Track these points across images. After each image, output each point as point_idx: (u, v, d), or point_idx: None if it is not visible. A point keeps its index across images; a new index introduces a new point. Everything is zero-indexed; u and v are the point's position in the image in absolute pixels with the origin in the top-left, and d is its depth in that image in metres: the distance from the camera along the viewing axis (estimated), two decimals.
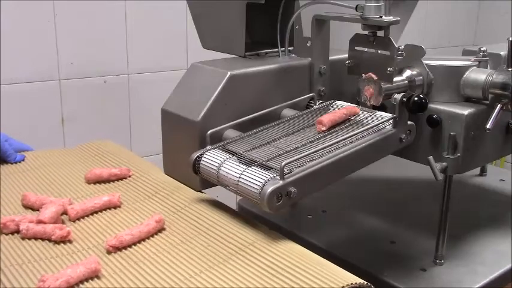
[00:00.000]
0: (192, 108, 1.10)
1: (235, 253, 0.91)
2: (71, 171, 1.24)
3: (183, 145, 1.13)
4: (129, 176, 1.21)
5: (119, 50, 2.05)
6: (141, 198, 1.12)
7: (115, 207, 1.08)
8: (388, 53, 1.09)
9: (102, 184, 1.18)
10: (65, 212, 1.04)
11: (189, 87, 1.17)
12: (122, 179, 1.20)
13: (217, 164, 0.99)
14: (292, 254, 0.89)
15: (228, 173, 0.96)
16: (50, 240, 0.96)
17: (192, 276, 0.86)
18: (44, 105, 1.93)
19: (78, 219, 1.04)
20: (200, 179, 1.08)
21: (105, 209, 1.07)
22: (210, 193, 1.12)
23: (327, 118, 1.07)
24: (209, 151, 1.03)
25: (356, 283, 0.80)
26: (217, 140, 1.07)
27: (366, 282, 0.82)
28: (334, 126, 1.07)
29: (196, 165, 1.03)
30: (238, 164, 0.97)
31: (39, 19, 1.86)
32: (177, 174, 1.17)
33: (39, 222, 0.98)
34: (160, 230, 0.99)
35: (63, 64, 1.94)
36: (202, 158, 1.02)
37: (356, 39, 1.15)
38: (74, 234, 0.98)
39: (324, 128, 1.06)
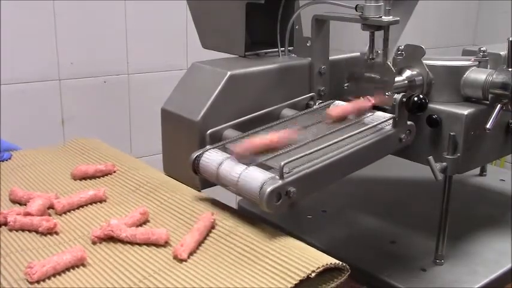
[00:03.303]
0: (192, 108, 1.10)
1: (216, 241, 0.94)
2: (57, 169, 1.27)
3: (183, 145, 1.13)
4: (114, 172, 1.23)
5: (119, 50, 2.05)
6: (125, 192, 1.14)
7: (100, 202, 1.10)
8: (386, 78, 1.09)
9: (88, 180, 1.21)
10: (51, 206, 1.06)
11: (189, 87, 1.17)
12: (107, 175, 1.22)
13: (216, 164, 0.99)
14: (271, 239, 0.91)
15: (228, 173, 0.96)
16: (37, 231, 0.98)
17: (176, 263, 0.89)
18: (44, 105, 1.93)
19: (65, 212, 1.06)
20: (200, 179, 1.08)
21: (90, 203, 1.09)
22: (210, 193, 1.12)
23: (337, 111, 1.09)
24: (209, 151, 1.03)
25: (332, 263, 0.83)
26: (217, 139, 1.07)
27: (341, 263, 0.84)
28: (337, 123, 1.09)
29: (195, 165, 1.03)
30: (237, 163, 0.97)
31: (39, 19, 1.86)
32: (177, 174, 1.17)
33: (27, 214, 1.01)
34: (145, 221, 1.02)
35: (63, 64, 1.94)
36: (202, 158, 1.02)
37: (354, 63, 1.16)
38: (61, 227, 1.00)
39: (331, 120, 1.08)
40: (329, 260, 0.83)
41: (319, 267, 0.81)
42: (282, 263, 0.84)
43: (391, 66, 1.09)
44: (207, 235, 0.96)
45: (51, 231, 0.98)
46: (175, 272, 0.87)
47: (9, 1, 1.78)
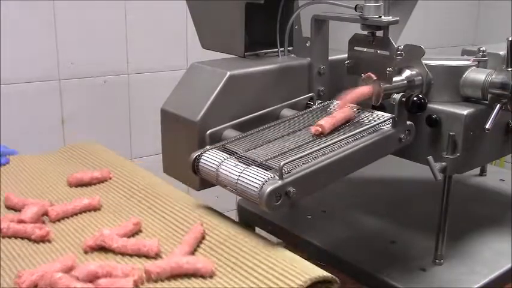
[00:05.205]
0: (191, 108, 1.10)
1: (206, 252, 0.94)
2: (54, 175, 1.27)
3: (183, 145, 1.13)
4: (110, 178, 1.24)
5: (119, 50, 2.05)
6: (120, 201, 1.15)
7: (95, 210, 1.11)
8: (387, 53, 1.09)
9: (84, 187, 1.21)
10: (45, 213, 1.07)
11: (188, 87, 1.17)
12: (103, 182, 1.23)
13: (216, 164, 0.99)
14: (261, 250, 0.91)
15: (227, 173, 0.96)
16: (29, 239, 0.99)
17: None
18: (44, 105, 1.93)
19: (59, 220, 1.07)
20: (199, 179, 1.08)
21: (85, 211, 1.10)
22: (210, 193, 1.12)
23: (329, 123, 1.05)
24: (208, 151, 1.03)
25: (322, 276, 0.83)
26: (216, 139, 1.07)
27: (331, 276, 0.84)
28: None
29: (195, 165, 1.03)
30: (237, 163, 0.97)
31: (39, 19, 1.86)
32: (177, 174, 1.17)
33: (20, 221, 1.01)
34: (137, 232, 1.02)
35: (63, 64, 1.94)
36: (202, 158, 1.02)
37: (355, 39, 1.15)
38: (53, 235, 1.01)
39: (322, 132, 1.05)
40: (320, 273, 0.84)
41: (311, 279, 0.82)
42: (274, 274, 0.85)
43: (393, 41, 1.08)
44: (198, 246, 0.96)
45: (43, 239, 0.99)
46: (166, 282, 0.87)
47: (9, 1, 1.78)
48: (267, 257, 0.89)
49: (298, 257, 0.90)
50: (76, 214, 1.09)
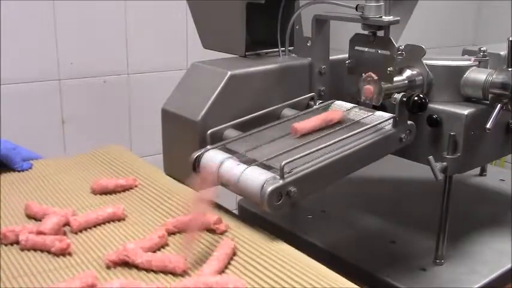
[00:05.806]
0: (192, 108, 1.10)
1: (238, 270, 0.89)
2: (78, 181, 1.22)
3: (183, 145, 1.13)
4: (136, 186, 1.19)
5: (118, 50, 2.05)
6: (145, 211, 1.09)
7: (119, 220, 1.05)
8: (388, 52, 1.09)
9: (108, 195, 1.16)
10: (67, 223, 1.01)
11: (189, 87, 1.17)
12: (128, 190, 1.17)
13: (217, 164, 0.99)
14: (298, 268, 0.87)
15: (228, 173, 0.96)
16: (49, 252, 0.93)
17: None
18: (44, 106, 1.93)
19: (81, 231, 1.01)
20: None
21: (108, 222, 1.04)
22: None
23: (302, 126, 1.06)
24: (209, 151, 1.03)
25: None
26: (217, 139, 1.07)
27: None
28: (328, 127, 1.08)
29: (196, 165, 1.03)
30: (238, 163, 0.97)
31: (39, 19, 1.86)
32: (177, 174, 1.17)
33: (40, 233, 0.96)
34: (163, 245, 0.96)
35: (63, 64, 1.94)
36: (202, 158, 1.02)
37: (356, 39, 1.15)
38: (75, 247, 0.95)
39: (297, 135, 1.05)
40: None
41: None
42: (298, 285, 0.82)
43: (393, 41, 1.08)
44: (229, 263, 0.90)
45: (64, 252, 0.93)
46: None
47: (9, 1, 1.78)
48: (304, 275, 0.84)
49: (339, 277, 0.85)
50: (99, 224, 1.02)
